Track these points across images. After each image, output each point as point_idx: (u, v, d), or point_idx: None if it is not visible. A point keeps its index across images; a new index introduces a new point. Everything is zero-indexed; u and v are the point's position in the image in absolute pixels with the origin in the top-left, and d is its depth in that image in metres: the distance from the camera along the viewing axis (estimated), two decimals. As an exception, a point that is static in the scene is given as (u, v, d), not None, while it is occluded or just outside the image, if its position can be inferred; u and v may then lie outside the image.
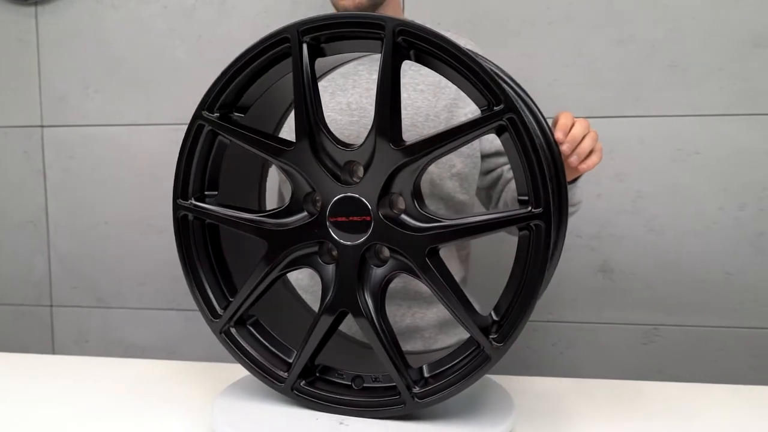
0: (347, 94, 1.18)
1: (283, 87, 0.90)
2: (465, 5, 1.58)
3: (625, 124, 1.55)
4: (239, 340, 0.92)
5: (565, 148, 0.85)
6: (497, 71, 0.85)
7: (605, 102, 1.55)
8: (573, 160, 0.87)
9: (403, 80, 1.19)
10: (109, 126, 1.75)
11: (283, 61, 0.87)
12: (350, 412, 0.87)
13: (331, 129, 0.85)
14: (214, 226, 0.94)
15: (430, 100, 1.17)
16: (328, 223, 0.83)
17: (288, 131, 1.00)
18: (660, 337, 1.60)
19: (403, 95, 1.17)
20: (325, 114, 0.93)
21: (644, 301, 1.58)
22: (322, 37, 0.85)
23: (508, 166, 1.23)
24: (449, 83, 1.06)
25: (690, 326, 1.59)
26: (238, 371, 1.02)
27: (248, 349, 0.91)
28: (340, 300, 0.85)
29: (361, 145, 0.82)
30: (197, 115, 0.89)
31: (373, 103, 1.13)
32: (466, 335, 1.29)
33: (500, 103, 0.77)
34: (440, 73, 0.81)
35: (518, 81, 0.87)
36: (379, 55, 0.80)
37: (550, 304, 1.63)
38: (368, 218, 0.82)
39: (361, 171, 0.84)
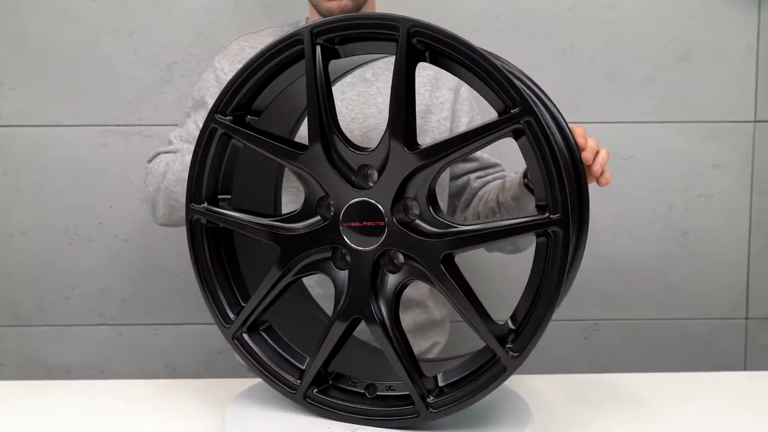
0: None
1: (299, 89, 0.86)
2: (416, 12, 1.58)
3: (567, 130, 1.62)
4: (251, 346, 0.89)
5: (587, 154, 0.87)
6: (515, 72, 0.85)
7: (549, 108, 1.61)
8: (596, 168, 0.89)
9: (378, 84, 1.18)
10: (28, 127, 1.60)
11: (297, 64, 0.84)
12: (363, 421, 0.85)
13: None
14: (228, 230, 0.89)
15: None
16: (341, 228, 0.81)
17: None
18: (599, 332, 1.69)
19: (377, 99, 1.17)
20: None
21: (584, 297, 1.66)
22: (335, 38, 0.83)
23: (476, 174, 1.25)
24: (419, 88, 1.07)
25: (625, 320, 1.69)
26: (188, 389, 1.02)
27: (260, 355, 0.89)
28: (354, 307, 0.83)
29: (375, 148, 0.81)
30: (211, 118, 0.85)
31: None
32: (441, 339, 1.32)
33: (516, 105, 0.74)
34: (457, 76, 0.80)
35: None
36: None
37: (494, 303, 1.67)
38: (382, 223, 0.80)
39: (375, 175, 0.82)
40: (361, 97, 1.15)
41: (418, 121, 0.80)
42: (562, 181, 0.74)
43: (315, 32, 0.81)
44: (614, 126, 1.63)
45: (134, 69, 1.59)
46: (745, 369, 1.69)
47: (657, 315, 1.69)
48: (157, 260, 1.64)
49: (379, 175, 0.81)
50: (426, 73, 1.20)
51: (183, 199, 0.91)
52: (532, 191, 1.01)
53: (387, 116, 1.12)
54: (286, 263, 0.85)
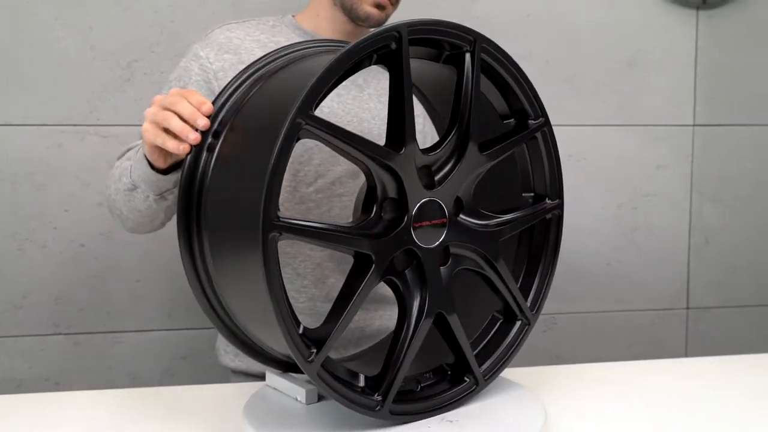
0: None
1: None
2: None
3: (527, 132, 1.69)
4: (328, 375, 0.77)
5: None
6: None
7: (510, 111, 1.68)
8: None
9: (368, 90, 1.19)
10: (-27, 126, 1.50)
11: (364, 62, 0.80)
12: (444, 411, 0.85)
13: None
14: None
15: None
16: (413, 229, 0.80)
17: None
18: (556, 325, 1.77)
19: (369, 105, 1.18)
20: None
21: (543, 293, 1.73)
22: (414, 40, 0.82)
23: None
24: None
25: (580, 313, 1.78)
26: (150, 398, 0.98)
27: (337, 384, 0.78)
28: (435, 303, 0.83)
29: (440, 149, 0.83)
30: (302, 111, 0.71)
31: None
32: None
33: (539, 116, 0.92)
34: (496, 86, 0.90)
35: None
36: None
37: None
38: (444, 220, 0.83)
39: (439, 175, 0.84)
40: (356, 101, 1.15)
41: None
42: (561, 174, 0.94)
43: (410, 30, 0.79)
44: (569, 128, 1.72)
45: (92, 66, 1.52)
46: (686, 355, 1.82)
47: (608, 307, 1.79)
48: (117, 266, 1.57)
49: (447, 175, 0.84)
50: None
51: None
52: None
53: (379, 120, 1.16)
54: (364, 274, 0.78)
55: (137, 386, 1.55)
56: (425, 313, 0.81)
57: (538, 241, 0.96)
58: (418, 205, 0.80)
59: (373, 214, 0.79)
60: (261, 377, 1.01)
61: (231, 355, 1.17)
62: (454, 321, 0.84)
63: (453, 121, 0.86)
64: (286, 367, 0.90)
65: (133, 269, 1.58)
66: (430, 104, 1.12)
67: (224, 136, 0.79)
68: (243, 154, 0.77)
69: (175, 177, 0.94)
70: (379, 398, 0.77)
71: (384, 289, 1.18)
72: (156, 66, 1.55)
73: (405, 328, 0.81)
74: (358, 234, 0.77)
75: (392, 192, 0.79)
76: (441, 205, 0.82)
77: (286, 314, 0.71)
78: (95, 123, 1.54)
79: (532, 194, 0.96)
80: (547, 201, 0.95)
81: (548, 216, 0.95)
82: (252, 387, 0.97)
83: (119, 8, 1.52)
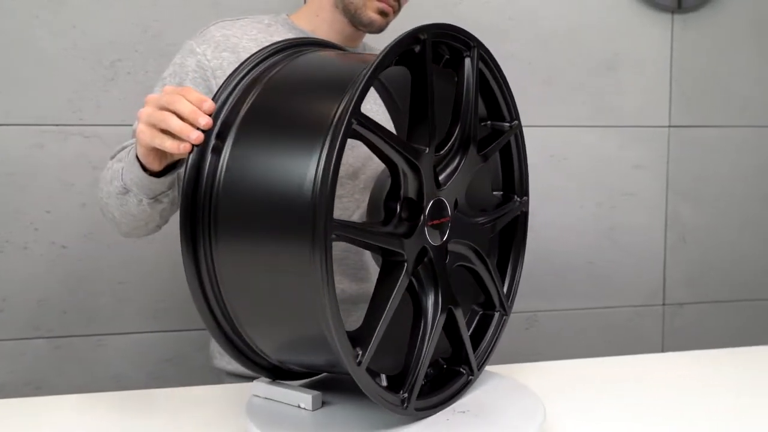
0: None
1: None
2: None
3: (509, 133, 1.72)
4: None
5: None
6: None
7: (493, 112, 1.71)
8: None
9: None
10: (-49, 126, 1.47)
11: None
12: (451, 402, 0.87)
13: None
14: None
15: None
16: (426, 227, 0.82)
17: None
18: (538, 322, 1.80)
19: (366, 106, 1.18)
20: None
21: (525, 291, 1.75)
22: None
23: None
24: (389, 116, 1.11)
25: (560, 310, 1.81)
26: (138, 401, 0.98)
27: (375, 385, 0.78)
28: (446, 299, 0.84)
29: (450, 150, 0.85)
30: (356, 112, 0.69)
31: None
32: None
33: (514, 119, 0.97)
34: (481, 89, 0.93)
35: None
36: None
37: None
38: (447, 219, 0.84)
39: (444, 175, 0.86)
40: None
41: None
42: (528, 172, 1.00)
43: (433, 34, 0.82)
44: (550, 129, 1.75)
45: (75, 65, 1.50)
46: (663, 350, 1.87)
47: (587, 304, 1.82)
48: (100, 268, 1.55)
49: (451, 174, 0.86)
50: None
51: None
52: None
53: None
54: (392, 276, 0.79)
55: (122, 390, 1.54)
56: (440, 309, 0.82)
57: (506, 236, 1.01)
58: (431, 204, 0.81)
59: (397, 214, 0.79)
60: (255, 379, 1.01)
61: (226, 358, 1.17)
62: (459, 315, 0.86)
63: (454, 122, 0.87)
64: (276, 374, 0.89)
65: (117, 271, 1.56)
66: (395, 103, 1.11)
67: (236, 138, 0.78)
68: (276, 156, 0.73)
69: (169, 179, 0.92)
70: (405, 395, 0.78)
71: (363, 289, 1.18)
72: (140, 65, 1.53)
73: (422, 326, 0.82)
74: (393, 233, 0.79)
75: (412, 191, 0.80)
76: (446, 203, 0.84)
77: (339, 316, 0.70)
78: (78, 123, 1.51)
79: (501, 192, 1.01)
80: (516, 198, 0.99)
81: (522, 211, 1.01)
82: (248, 387, 0.97)
83: (102, 6, 1.50)
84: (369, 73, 0.69)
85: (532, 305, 1.79)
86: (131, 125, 1.51)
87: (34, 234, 1.52)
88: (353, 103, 0.68)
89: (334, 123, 0.69)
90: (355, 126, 0.69)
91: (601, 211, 1.80)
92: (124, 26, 1.52)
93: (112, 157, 1.08)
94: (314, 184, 0.67)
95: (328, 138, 0.68)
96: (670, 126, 1.81)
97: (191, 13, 1.55)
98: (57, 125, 1.51)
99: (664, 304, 1.87)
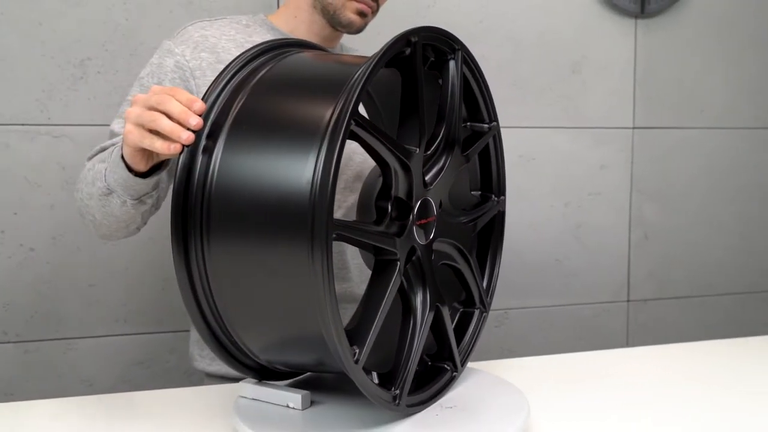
0: None
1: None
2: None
3: (480, 134, 1.75)
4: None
5: None
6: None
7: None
8: None
9: None
10: None
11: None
12: (438, 398, 0.88)
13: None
14: None
15: None
16: (414, 227, 0.83)
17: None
18: (508, 320, 1.83)
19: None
20: None
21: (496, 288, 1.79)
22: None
23: None
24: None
25: (530, 307, 1.85)
26: (110, 404, 0.96)
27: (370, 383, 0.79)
28: (434, 297, 0.86)
29: (436, 151, 0.86)
30: (355, 112, 0.71)
31: None
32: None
33: (492, 120, 0.99)
34: (465, 92, 0.94)
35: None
36: None
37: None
38: (433, 218, 0.86)
39: (430, 175, 0.87)
40: None
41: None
42: (505, 172, 1.03)
43: (422, 37, 0.84)
44: (518, 130, 1.78)
45: (42, 64, 1.47)
46: (627, 345, 1.92)
47: (555, 302, 1.86)
48: (68, 270, 1.52)
49: (437, 174, 0.87)
50: None
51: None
52: None
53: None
54: (384, 275, 0.80)
55: (93, 394, 1.51)
56: (428, 307, 0.84)
57: (483, 235, 1.03)
58: (419, 204, 0.82)
59: (388, 213, 0.80)
60: (238, 380, 1.00)
61: (207, 360, 1.16)
62: (445, 313, 0.87)
63: (439, 123, 0.89)
64: (262, 375, 0.89)
65: (86, 274, 1.54)
66: (376, 106, 1.12)
67: (228, 139, 0.77)
68: (270, 157, 0.73)
69: (154, 180, 0.91)
70: (397, 392, 0.79)
71: (353, 289, 1.20)
72: (110, 64, 1.51)
73: (412, 324, 0.83)
74: (386, 233, 0.79)
75: (402, 191, 0.81)
76: (432, 203, 0.85)
77: (338, 315, 0.70)
78: (46, 122, 1.48)
79: (479, 192, 1.03)
80: (494, 197, 1.02)
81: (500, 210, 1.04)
82: (231, 389, 0.97)
83: (70, 5, 1.47)
84: (367, 74, 0.70)
85: (503, 302, 1.82)
86: (101, 125, 1.50)
87: (1, 236, 1.49)
88: (353, 103, 0.68)
89: (333, 123, 0.70)
90: (353, 126, 0.70)
91: (569, 211, 1.85)
92: (93, 24, 1.49)
93: (90, 158, 1.05)
94: (313, 184, 0.68)
95: (327, 138, 0.69)
96: (634, 127, 1.87)
97: (162, 11, 1.53)
98: (24, 125, 1.48)
99: (628, 301, 1.92)
